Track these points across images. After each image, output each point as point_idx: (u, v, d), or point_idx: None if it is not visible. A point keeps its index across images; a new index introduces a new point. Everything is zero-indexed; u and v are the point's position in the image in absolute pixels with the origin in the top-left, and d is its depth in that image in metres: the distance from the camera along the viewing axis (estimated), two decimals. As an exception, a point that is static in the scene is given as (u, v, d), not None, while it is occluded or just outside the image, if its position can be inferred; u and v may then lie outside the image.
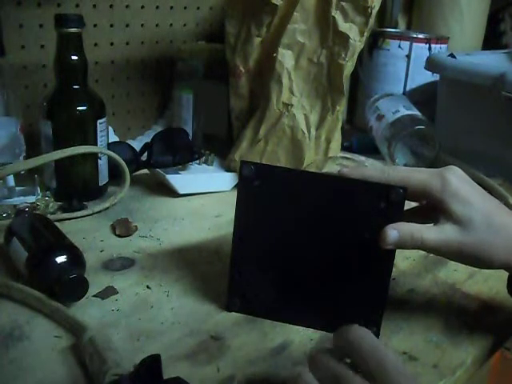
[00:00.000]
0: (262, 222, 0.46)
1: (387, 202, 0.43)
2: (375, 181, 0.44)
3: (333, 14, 0.69)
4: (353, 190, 0.44)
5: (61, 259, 0.48)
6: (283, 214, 0.45)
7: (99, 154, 0.68)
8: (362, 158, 0.83)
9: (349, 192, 0.44)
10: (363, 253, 0.44)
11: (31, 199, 0.66)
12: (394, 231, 0.43)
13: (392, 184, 0.44)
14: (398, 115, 0.87)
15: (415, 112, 0.89)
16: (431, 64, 0.90)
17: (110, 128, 0.77)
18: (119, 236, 0.61)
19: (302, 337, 0.45)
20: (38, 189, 0.68)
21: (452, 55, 0.91)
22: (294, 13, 0.70)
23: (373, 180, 0.44)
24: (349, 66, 0.71)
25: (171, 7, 0.91)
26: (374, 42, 1.04)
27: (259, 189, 0.45)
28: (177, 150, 0.75)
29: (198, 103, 0.85)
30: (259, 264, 0.47)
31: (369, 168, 0.47)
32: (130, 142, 0.81)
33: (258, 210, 0.46)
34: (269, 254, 0.46)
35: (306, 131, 0.73)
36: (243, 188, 0.46)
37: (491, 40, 1.21)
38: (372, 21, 0.70)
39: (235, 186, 0.76)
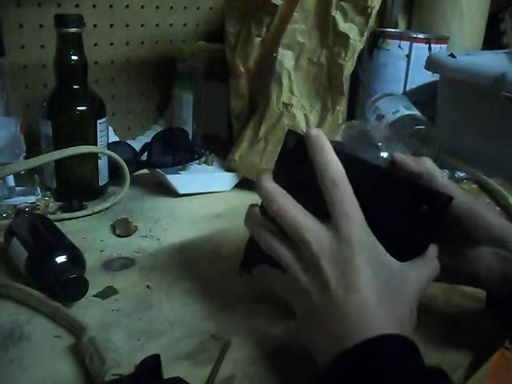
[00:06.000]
0: (296, 198, 0.42)
1: (429, 206, 0.41)
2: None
3: (333, 14, 0.69)
4: (398, 186, 0.42)
5: (61, 259, 0.48)
6: (318, 194, 0.40)
7: (99, 154, 0.68)
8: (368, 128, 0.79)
9: (393, 186, 0.42)
10: (396, 248, 0.41)
11: (31, 199, 0.66)
12: None
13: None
14: (398, 115, 0.87)
15: (415, 112, 0.89)
16: (431, 64, 0.90)
17: (110, 128, 0.77)
18: (119, 236, 0.61)
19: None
20: (38, 189, 0.68)
21: (452, 55, 0.91)
22: (294, 13, 0.70)
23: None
24: (349, 66, 0.71)
25: (171, 7, 0.91)
26: (374, 42, 1.04)
27: (300, 163, 0.42)
28: (177, 150, 0.75)
29: (197, 103, 0.85)
30: None
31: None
32: (130, 142, 0.81)
33: (293, 185, 0.42)
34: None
35: (305, 131, 0.73)
36: (283, 159, 0.44)
37: (491, 40, 1.21)
38: (372, 21, 0.70)
39: (235, 186, 0.76)
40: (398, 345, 0.35)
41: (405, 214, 0.42)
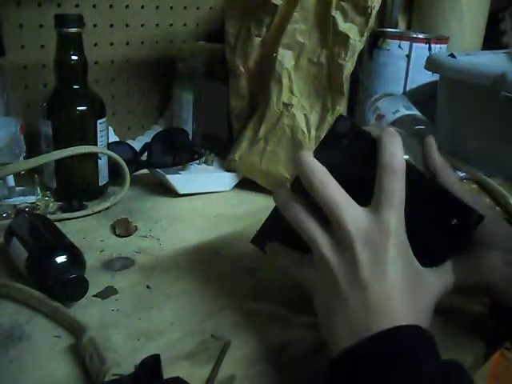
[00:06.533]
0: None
1: (459, 221, 0.41)
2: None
3: (333, 14, 0.69)
4: (434, 193, 0.42)
5: (61, 259, 0.48)
6: (357, 183, 0.40)
7: (99, 154, 0.68)
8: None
9: (430, 193, 0.42)
10: (416, 253, 0.40)
11: (31, 199, 0.66)
12: None
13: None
14: (398, 115, 0.87)
15: (415, 112, 0.89)
16: (431, 64, 0.90)
17: (110, 128, 0.77)
18: (119, 236, 0.61)
19: (303, 336, 0.45)
20: (38, 189, 0.68)
21: (452, 55, 0.91)
22: (294, 13, 0.70)
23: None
24: (349, 66, 0.71)
25: (171, 7, 0.91)
26: (374, 42, 1.04)
27: (345, 149, 0.42)
28: (177, 150, 0.75)
29: (197, 103, 0.85)
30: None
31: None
32: (130, 142, 0.81)
33: (333, 170, 0.41)
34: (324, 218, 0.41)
35: (306, 131, 0.73)
36: (330, 142, 0.43)
37: (491, 40, 1.21)
38: (372, 21, 0.70)
39: (235, 186, 0.76)
40: (419, 336, 0.35)
41: (434, 223, 0.42)
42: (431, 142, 0.47)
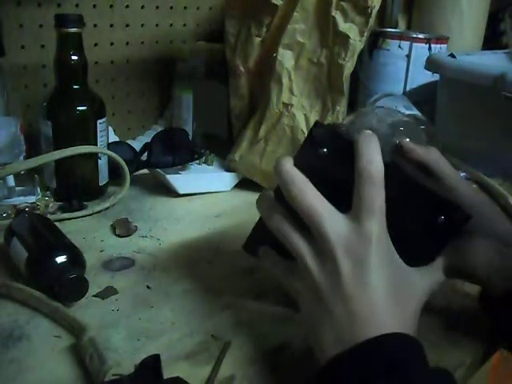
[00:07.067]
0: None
1: (446, 219, 0.40)
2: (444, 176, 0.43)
3: (333, 14, 0.69)
4: (419, 192, 0.41)
5: (61, 259, 0.48)
6: (338, 188, 0.40)
7: (99, 154, 0.68)
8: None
9: (414, 192, 0.41)
10: (403, 252, 0.40)
11: (31, 199, 0.66)
12: None
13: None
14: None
15: (415, 112, 0.89)
16: (431, 64, 0.90)
17: (110, 128, 0.77)
18: (119, 236, 0.61)
19: (303, 336, 0.45)
20: (38, 189, 0.68)
21: (452, 55, 0.91)
22: (294, 13, 0.70)
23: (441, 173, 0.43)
24: (349, 66, 0.71)
25: (171, 7, 0.91)
26: (374, 42, 1.04)
27: (324, 154, 0.41)
28: (177, 150, 0.75)
29: (197, 103, 0.85)
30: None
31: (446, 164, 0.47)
32: (130, 142, 0.81)
33: (313, 176, 0.40)
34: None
35: (305, 131, 0.73)
36: (308, 148, 0.41)
37: (491, 40, 1.21)
38: (372, 21, 0.70)
39: (235, 186, 0.76)
40: (406, 344, 0.35)
41: (420, 222, 0.41)
42: (405, 143, 0.47)
